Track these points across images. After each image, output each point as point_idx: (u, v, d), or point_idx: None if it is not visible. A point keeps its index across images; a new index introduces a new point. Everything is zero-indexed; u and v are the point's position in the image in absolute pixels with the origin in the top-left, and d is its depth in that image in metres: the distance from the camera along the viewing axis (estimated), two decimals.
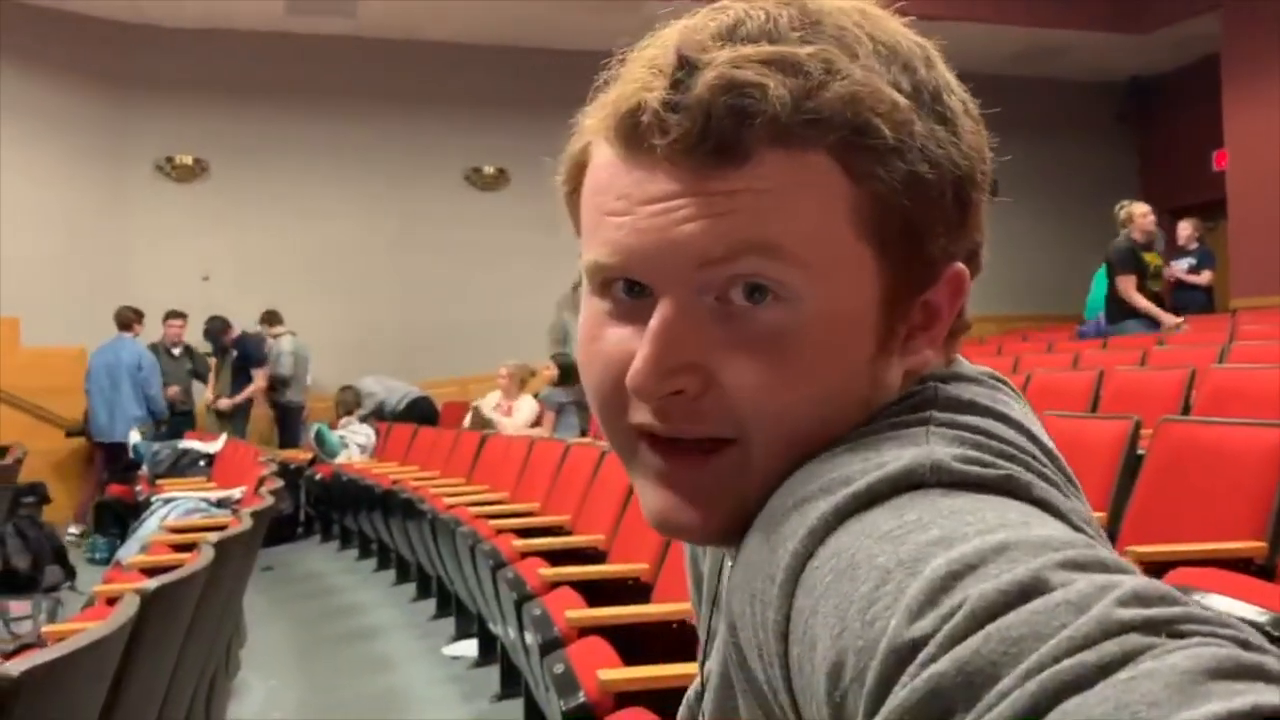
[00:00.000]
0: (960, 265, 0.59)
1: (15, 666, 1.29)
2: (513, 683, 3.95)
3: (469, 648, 4.73)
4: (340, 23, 9.89)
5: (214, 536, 2.33)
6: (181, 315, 9.18)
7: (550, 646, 2.57)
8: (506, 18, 9.70)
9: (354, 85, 10.21)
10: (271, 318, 9.30)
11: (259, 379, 9.10)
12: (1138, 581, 0.40)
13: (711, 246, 0.54)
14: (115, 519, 7.38)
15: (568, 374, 7.38)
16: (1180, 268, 8.39)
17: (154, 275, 9.58)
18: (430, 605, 5.60)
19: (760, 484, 0.55)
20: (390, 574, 6.47)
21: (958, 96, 0.59)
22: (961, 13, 9.07)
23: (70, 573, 5.82)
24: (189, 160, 10.04)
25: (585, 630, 2.67)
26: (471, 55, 10.34)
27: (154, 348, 8.75)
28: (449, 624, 5.14)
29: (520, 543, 3.85)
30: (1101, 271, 8.67)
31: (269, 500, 3.20)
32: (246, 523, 2.39)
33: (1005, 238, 12.14)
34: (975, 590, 0.39)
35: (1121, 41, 10.59)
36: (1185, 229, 8.63)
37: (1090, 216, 11.66)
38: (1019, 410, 0.59)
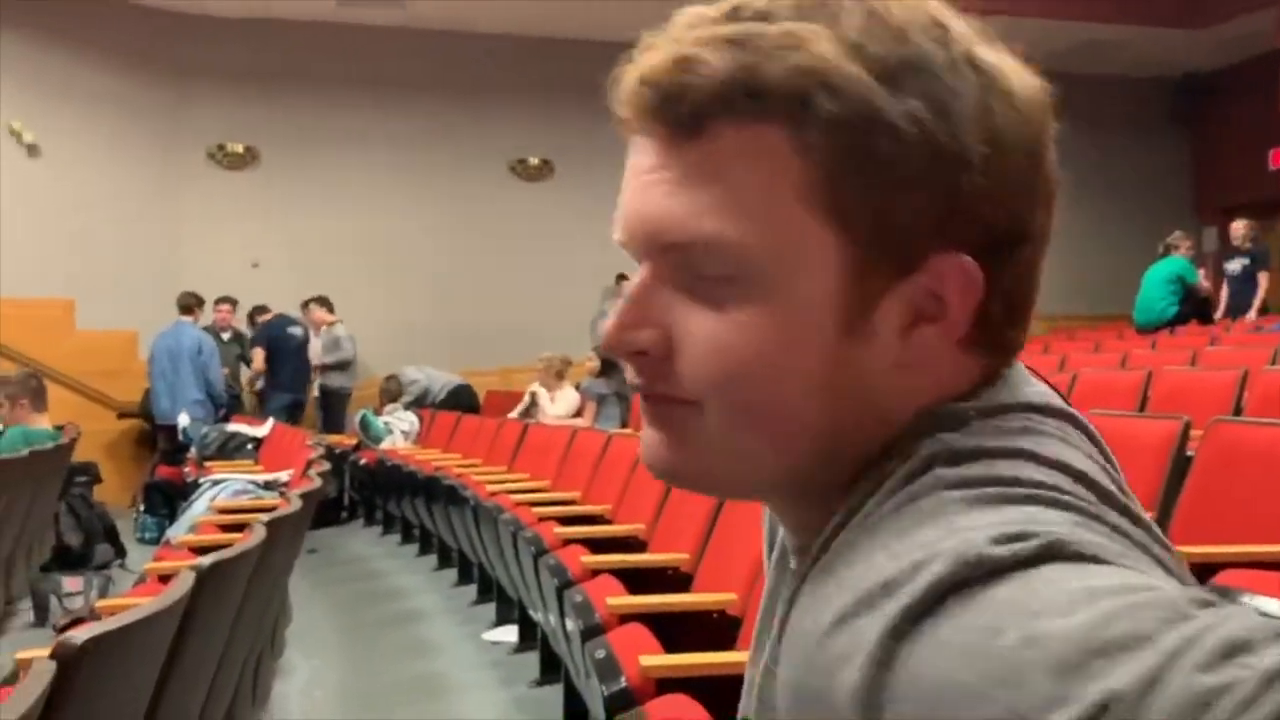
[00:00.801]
0: (965, 259, 0.55)
1: (79, 635, 1.33)
2: (552, 669, 3.99)
3: (509, 633, 4.78)
4: (390, 14, 9.98)
5: (264, 517, 2.38)
6: (231, 301, 9.33)
7: (591, 632, 2.60)
8: (553, 9, 9.74)
9: (402, 76, 10.30)
10: (323, 304, 9.42)
11: (257, 359, 9.19)
12: (1220, 625, 0.39)
13: (672, 228, 0.56)
14: (164, 500, 7.52)
15: (609, 365, 7.41)
16: (1234, 269, 8.27)
17: (205, 261, 9.73)
18: (471, 591, 5.66)
19: (729, 452, 0.57)
20: (432, 559, 6.54)
21: (979, 79, 0.56)
22: (1016, 7, 8.98)
23: (120, 551, 5.94)
24: (240, 148, 10.18)
25: (626, 618, 2.70)
26: (518, 47, 10.39)
27: (209, 332, 8.89)
28: (489, 609, 5.19)
29: (561, 530, 3.88)
30: (1153, 270, 8.56)
31: (317, 483, 3.26)
32: (296, 504, 2.44)
33: (1053, 235, 12.07)
34: (1102, 687, 0.38)
35: (1175, 37, 10.44)
36: (1238, 229, 8.50)
37: (1141, 215, 11.52)
38: (1054, 446, 0.55)
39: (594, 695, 2.50)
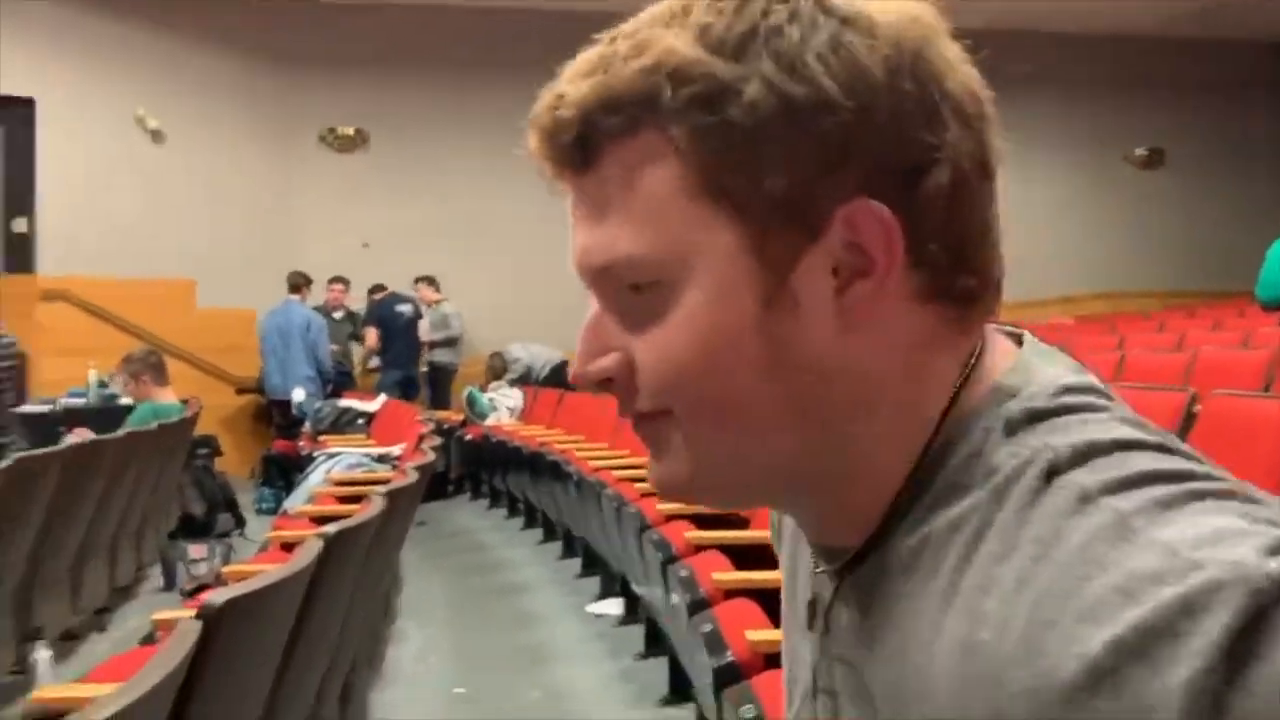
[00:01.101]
0: (870, 203, 0.54)
1: (220, 596, 1.41)
2: (656, 642, 4.05)
3: (613, 606, 4.85)
4: None
5: (382, 489, 2.47)
6: (343, 280, 9.59)
7: (697, 606, 2.64)
8: None
9: (507, 56, 10.40)
10: (431, 283, 9.62)
11: (369, 337, 9.41)
12: None
13: (595, 256, 0.58)
14: (280, 472, 7.79)
15: None
16: None
17: (318, 242, 10.01)
18: (575, 564, 5.76)
19: (712, 455, 0.57)
20: (537, 532, 6.66)
21: (830, 22, 0.55)
22: None
23: (240, 520, 6.19)
24: (350, 131, 10.43)
25: (731, 593, 2.73)
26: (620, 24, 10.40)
27: (317, 311, 9.16)
28: (594, 583, 5.28)
29: (665, 506, 3.93)
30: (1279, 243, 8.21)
31: (430, 456, 3.35)
32: (412, 476, 2.52)
33: (1168, 207, 11.65)
34: None
35: None
36: None
37: (1262, 186, 11.05)
38: (1129, 428, 0.53)
39: (700, 670, 2.54)
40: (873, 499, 0.57)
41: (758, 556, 3.16)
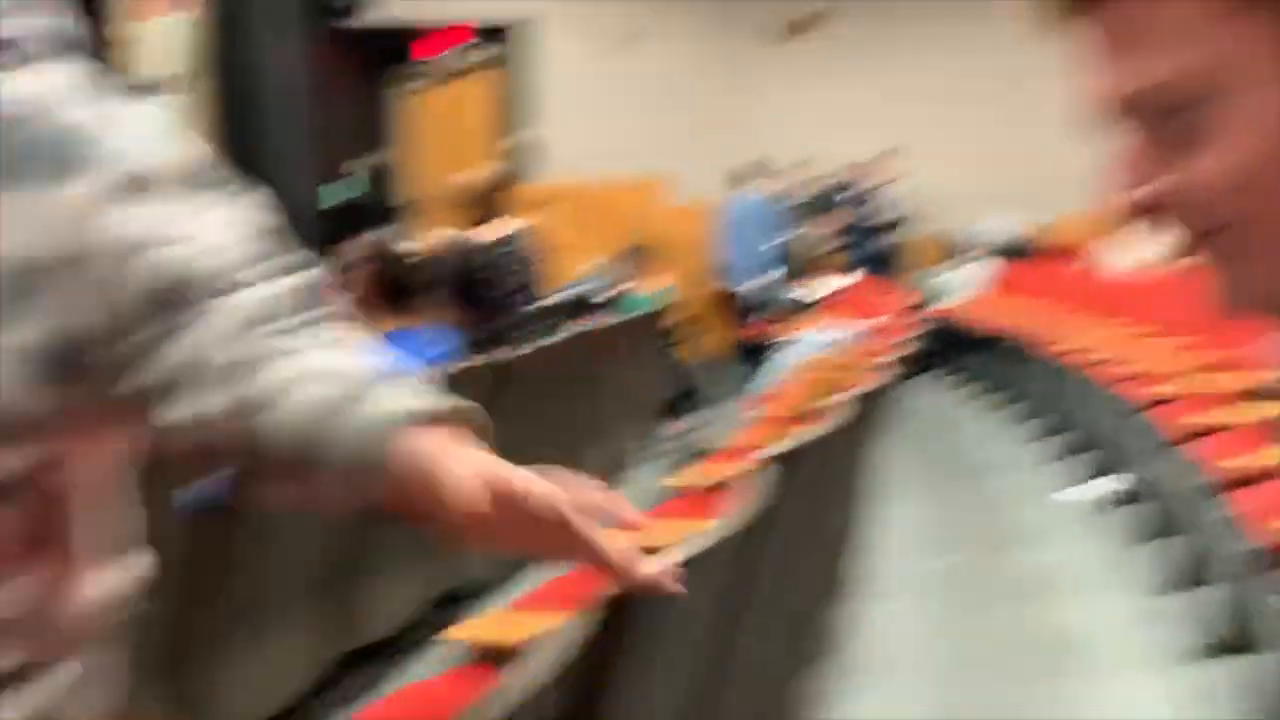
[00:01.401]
0: None
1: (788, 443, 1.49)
2: (1153, 527, 3.87)
3: (1091, 491, 4.67)
4: None
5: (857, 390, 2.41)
6: (805, 165, 9.73)
7: (1216, 489, 2.48)
8: None
9: None
10: (888, 160, 9.52)
11: (827, 221, 9.38)
12: None
13: (1120, 90, 0.60)
14: (750, 357, 8.20)
15: None
16: None
17: (782, 129, 10.20)
18: (1047, 447, 5.57)
19: None
20: (1005, 414, 6.51)
21: None
22: None
23: (695, 406, 6.56)
24: (810, 13, 10.51)
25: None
26: None
27: (779, 198, 9.41)
28: (1070, 465, 5.09)
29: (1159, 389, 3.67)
30: None
31: (908, 346, 3.25)
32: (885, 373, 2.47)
33: None
34: None
35: None
36: None
37: None
38: None
39: (1221, 557, 2.41)
40: None
41: None
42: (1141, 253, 7.25)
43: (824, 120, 10.23)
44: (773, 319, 7.92)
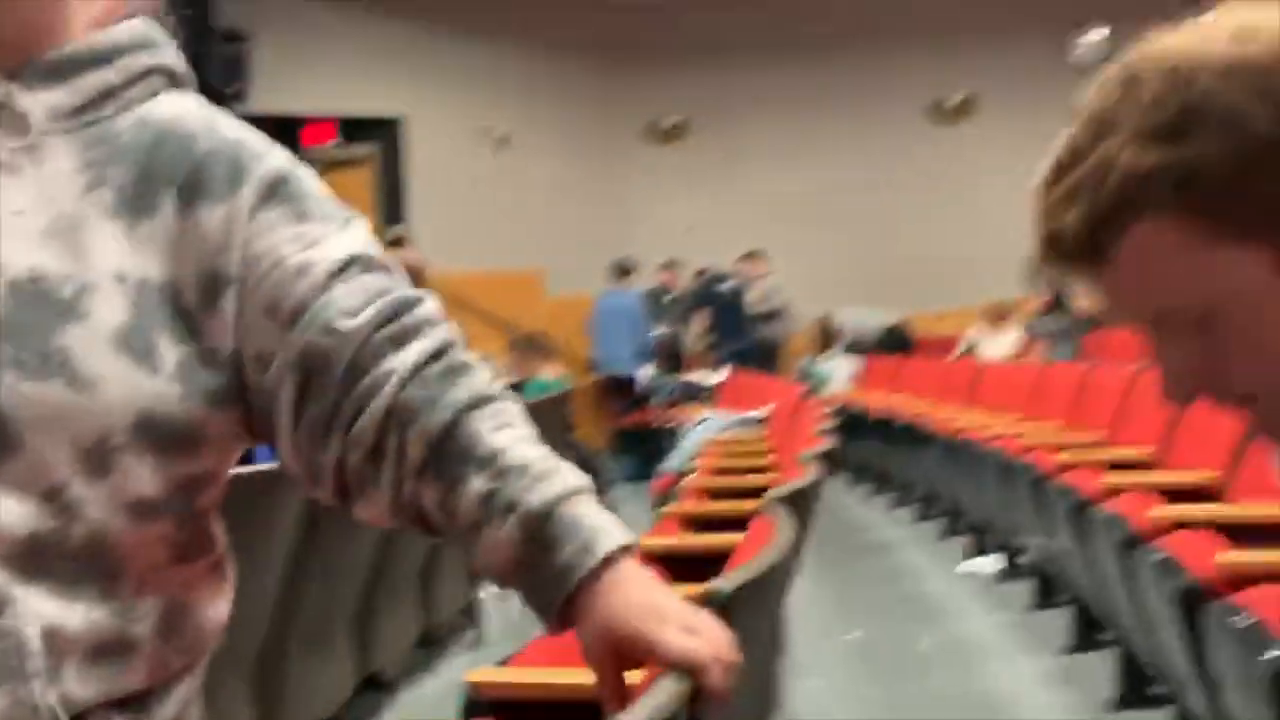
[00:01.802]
0: None
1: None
2: (1047, 594, 4.06)
3: (988, 564, 4.86)
4: None
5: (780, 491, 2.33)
6: (672, 265, 10.01)
7: (1134, 542, 2.65)
8: None
9: (811, 39, 10.50)
10: (753, 259, 9.87)
11: (700, 317, 9.66)
12: None
13: (1135, 320, 0.72)
14: (633, 445, 8.28)
15: (1059, 302, 7.21)
16: None
17: (649, 229, 10.49)
18: (936, 526, 5.78)
19: None
20: (891, 496, 6.73)
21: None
22: None
23: (604, 485, 6.64)
24: (673, 122, 10.88)
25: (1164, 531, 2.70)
26: None
27: (649, 294, 9.63)
28: (959, 542, 5.29)
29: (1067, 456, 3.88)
30: None
31: (829, 443, 3.33)
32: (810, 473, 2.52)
33: None
34: None
35: None
36: None
37: None
38: None
39: (1144, 599, 2.56)
40: None
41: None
42: (1010, 343, 7.70)
43: (695, 219, 10.57)
44: (661, 407, 8.04)
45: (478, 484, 0.83)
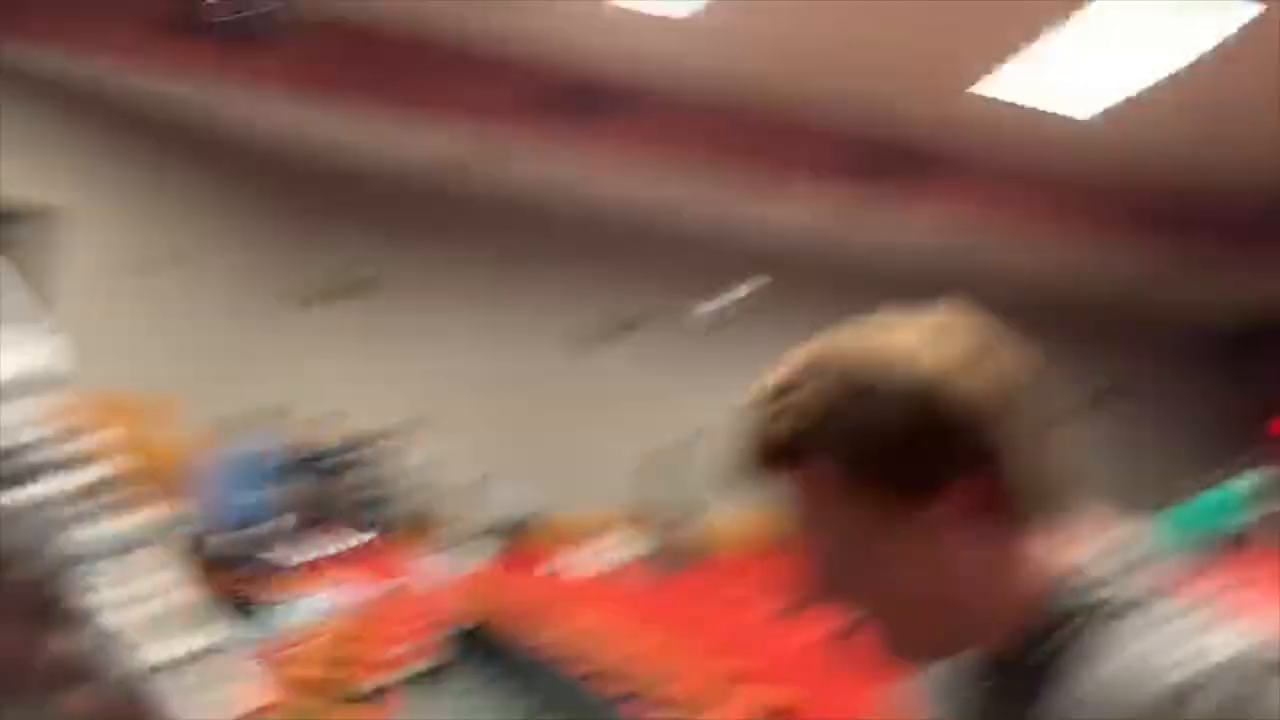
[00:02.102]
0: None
1: None
2: None
3: None
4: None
5: None
6: (320, 422, 9.67)
7: None
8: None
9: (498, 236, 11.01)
10: (406, 428, 9.77)
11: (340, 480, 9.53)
12: None
13: (806, 526, 0.87)
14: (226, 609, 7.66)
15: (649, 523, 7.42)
16: None
17: (304, 383, 10.24)
18: None
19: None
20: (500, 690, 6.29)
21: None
22: None
23: None
24: (347, 281, 10.84)
25: None
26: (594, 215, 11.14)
27: (285, 450, 9.19)
28: None
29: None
30: None
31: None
32: None
33: None
34: None
35: None
36: None
37: None
38: None
39: None
40: None
41: None
42: (611, 556, 8.02)
43: (350, 381, 10.43)
44: (252, 575, 7.53)
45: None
